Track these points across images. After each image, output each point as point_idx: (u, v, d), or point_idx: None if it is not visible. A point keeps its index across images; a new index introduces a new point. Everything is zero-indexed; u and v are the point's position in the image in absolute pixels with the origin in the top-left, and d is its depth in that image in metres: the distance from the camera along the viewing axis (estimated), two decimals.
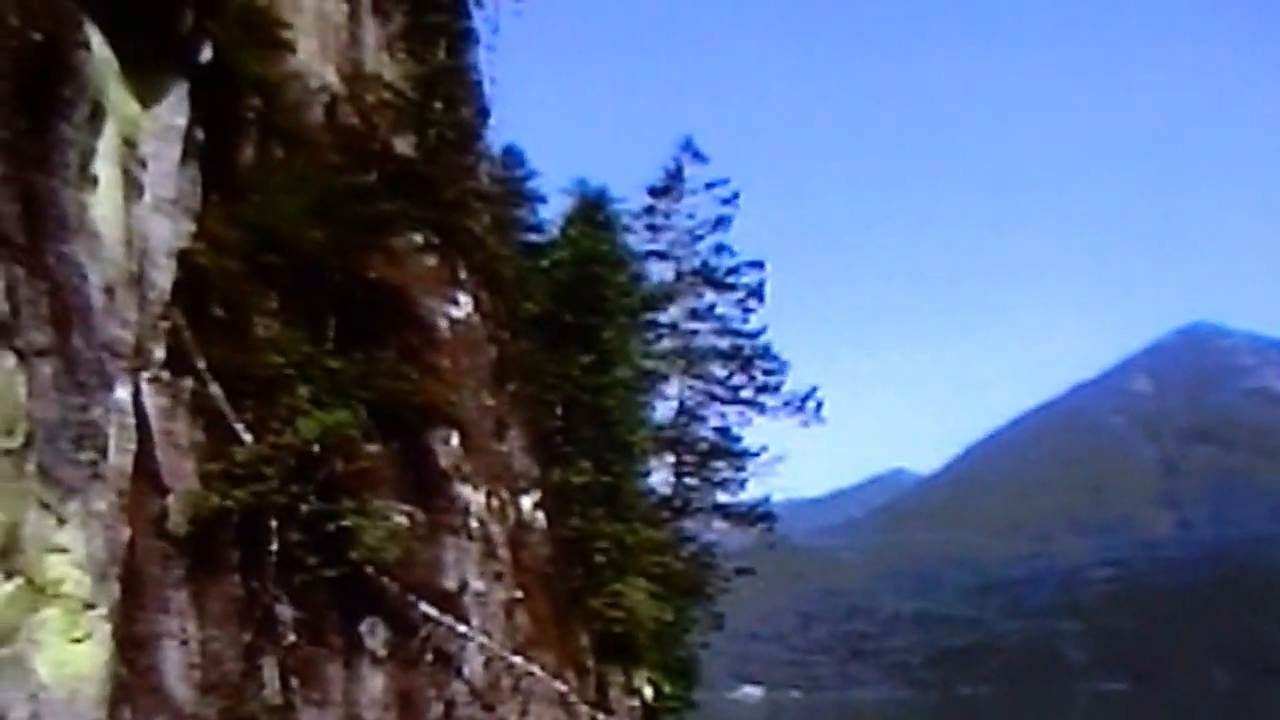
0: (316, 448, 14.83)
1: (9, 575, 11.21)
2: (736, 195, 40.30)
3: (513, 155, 30.72)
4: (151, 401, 13.78)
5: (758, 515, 40.15)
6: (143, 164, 13.63)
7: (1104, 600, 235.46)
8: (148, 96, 13.69)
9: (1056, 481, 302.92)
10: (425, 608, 17.85)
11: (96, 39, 12.69)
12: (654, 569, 30.87)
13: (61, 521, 11.74)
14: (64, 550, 11.73)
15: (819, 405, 40.67)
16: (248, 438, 14.88)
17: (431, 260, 20.27)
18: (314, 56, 19.49)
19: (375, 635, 17.26)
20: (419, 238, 19.73)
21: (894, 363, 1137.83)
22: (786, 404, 40.45)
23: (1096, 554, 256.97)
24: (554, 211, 32.78)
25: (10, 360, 11.24)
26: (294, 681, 15.65)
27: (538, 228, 32.58)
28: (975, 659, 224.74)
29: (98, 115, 12.69)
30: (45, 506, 11.60)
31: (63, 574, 11.68)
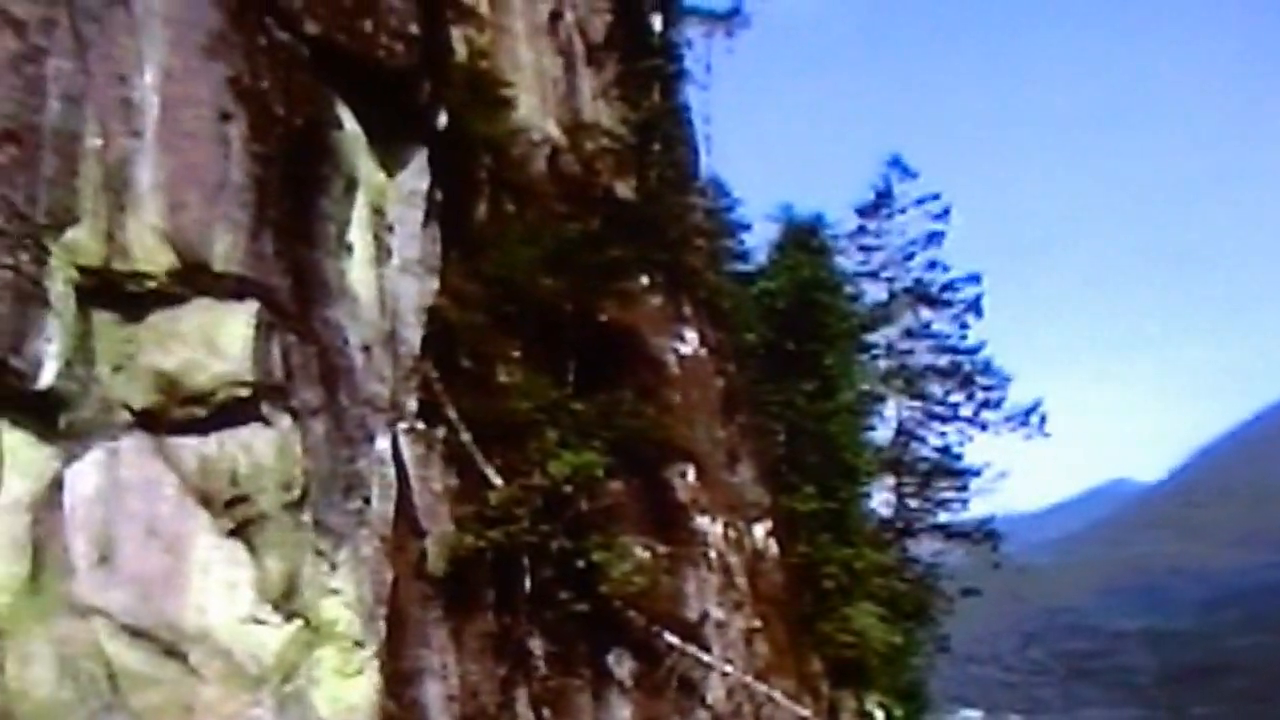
0: (565, 487, 15.44)
1: (289, 618, 12.09)
2: (948, 210, 39.60)
3: (717, 186, 31.01)
4: (408, 451, 14.57)
5: (983, 534, 39.30)
6: (390, 229, 14.50)
7: None
8: (392, 165, 14.57)
9: None
10: (669, 637, 18.30)
11: (347, 118, 13.69)
12: (881, 592, 30.68)
13: (334, 567, 12.57)
14: (337, 593, 12.54)
15: (1043, 419, 39.62)
16: (498, 481, 15.60)
17: (657, 299, 20.82)
18: (534, 111, 20.33)
19: (622, 665, 17.79)
20: (645, 278, 20.28)
21: (1113, 366, 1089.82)
22: (1009, 419, 39.49)
23: None
24: (757, 238, 32.78)
25: (286, 420, 12.20)
26: (546, 712, 16.26)
27: (744, 256, 32.72)
28: (1210, 678, 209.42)
29: (351, 188, 13.69)
30: (320, 554, 12.47)
31: (336, 615, 12.48)
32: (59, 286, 11.00)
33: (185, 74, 11.61)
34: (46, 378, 10.93)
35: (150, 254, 11.43)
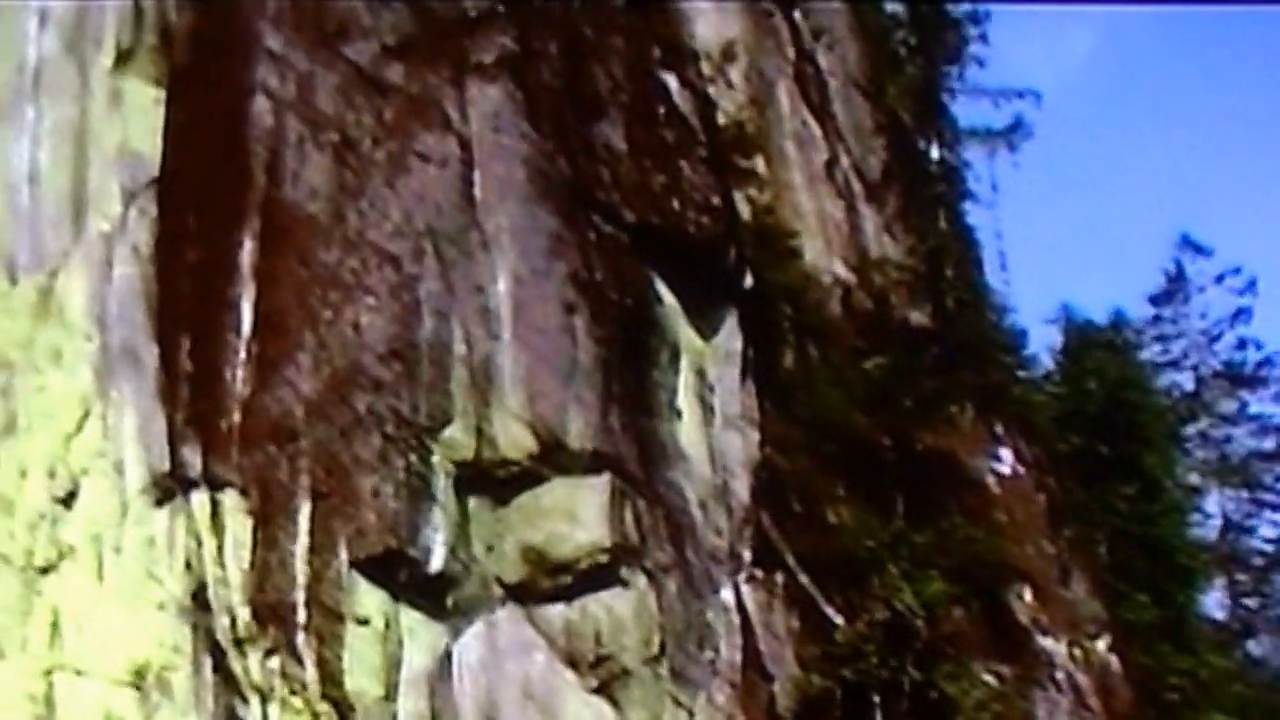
0: (916, 621, 15.67)
1: None
2: (1254, 282, 37.30)
3: (1003, 299, 30.44)
4: (750, 599, 15.09)
5: None
6: (711, 389, 15.36)
7: None
8: (707, 330, 15.47)
9: None
10: None
11: (665, 291, 14.83)
12: (1228, 702, 28.95)
13: (691, 715, 13.30)
14: None
15: None
16: (839, 620, 15.96)
17: (968, 421, 20.88)
18: (821, 255, 20.92)
19: None
20: (953, 404, 20.43)
21: None
22: None
23: None
24: (1036, 343, 31.83)
25: (642, 580, 13.16)
26: None
27: (1027, 364, 31.87)
28: None
29: (675, 356, 14.76)
30: (678, 703, 13.23)
31: None
32: (440, 480, 12.47)
33: (532, 276, 13.05)
34: (436, 563, 12.35)
35: (515, 441, 12.76)
